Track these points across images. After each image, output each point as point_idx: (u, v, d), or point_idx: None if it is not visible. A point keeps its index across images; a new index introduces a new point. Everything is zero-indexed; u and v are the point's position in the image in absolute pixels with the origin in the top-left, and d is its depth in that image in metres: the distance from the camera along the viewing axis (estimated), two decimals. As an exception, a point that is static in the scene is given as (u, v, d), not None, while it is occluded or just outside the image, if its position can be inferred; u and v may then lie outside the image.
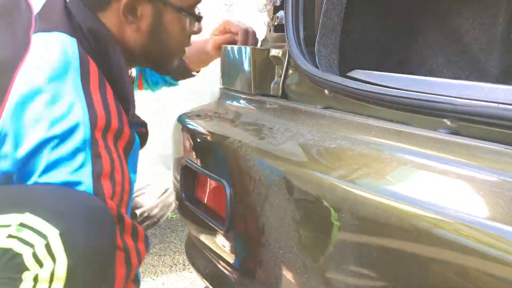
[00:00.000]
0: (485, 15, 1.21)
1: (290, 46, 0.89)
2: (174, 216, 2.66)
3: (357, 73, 0.82)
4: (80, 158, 0.68)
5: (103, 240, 0.65)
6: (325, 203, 0.64)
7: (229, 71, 1.07)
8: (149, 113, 2.77)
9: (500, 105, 0.55)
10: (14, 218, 0.62)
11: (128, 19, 0.82)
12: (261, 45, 1.08)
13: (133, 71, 1.20)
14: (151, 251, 2.24)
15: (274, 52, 0.94)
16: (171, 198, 1.28)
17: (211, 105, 1.10)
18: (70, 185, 0.68)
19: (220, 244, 0.93)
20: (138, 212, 1.21)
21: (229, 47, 1.05)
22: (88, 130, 0.70)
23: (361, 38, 1.16)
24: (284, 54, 0.92)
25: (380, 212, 0.55)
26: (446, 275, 0.49)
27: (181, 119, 1.08)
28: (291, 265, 0.71)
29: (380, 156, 0.62)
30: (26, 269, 0.60)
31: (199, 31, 0.93)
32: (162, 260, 2.17)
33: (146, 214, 1.23)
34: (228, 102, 1.04)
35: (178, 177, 1.04)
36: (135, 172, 0.81)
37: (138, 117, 0.85)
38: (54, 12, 0.80)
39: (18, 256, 0.60)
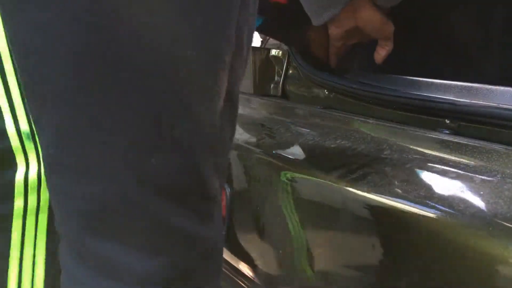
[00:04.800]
0: (484, 15, 1.21)
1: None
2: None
3: (357, 73, 0.82)
4: None
5: None
6: (326, 204, 0.64)
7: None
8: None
9: (500, 105, 0.56)
10: None
11: None
12: (261, 45, 1.08)
13: None
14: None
15: (274, 52, 0.94)
16: None
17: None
18: None
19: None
20: None
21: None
22: None
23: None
24: (284, 54, 0.92)
25: (380, 211, 0.56)
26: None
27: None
28: (291, 265, 0.71)
29: (380, 156, 0.62)
30: None
31: None
32: (162, 260, 2.16)
33: None
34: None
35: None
36: None
37: None
38: None
39: None
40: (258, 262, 0.79)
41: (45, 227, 0.54)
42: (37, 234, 0.54)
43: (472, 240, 0.47)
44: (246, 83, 0.99)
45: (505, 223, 0.45)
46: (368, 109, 0.72)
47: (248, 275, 0.85)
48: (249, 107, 0.97)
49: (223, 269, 0.95)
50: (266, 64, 0.95)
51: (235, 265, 0.91)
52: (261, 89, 0.96)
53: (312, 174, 0.67)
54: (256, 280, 0.82)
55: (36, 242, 0.54)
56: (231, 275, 0.93)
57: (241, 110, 0.98)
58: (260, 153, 0.79)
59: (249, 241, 0.83)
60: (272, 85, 0.95)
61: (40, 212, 0.53)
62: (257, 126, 0.88)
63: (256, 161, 0.79)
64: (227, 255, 0.93)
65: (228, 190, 0.85)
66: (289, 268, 0.72)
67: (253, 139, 0.83)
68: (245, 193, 0.81)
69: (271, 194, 0.75)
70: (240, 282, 0.89)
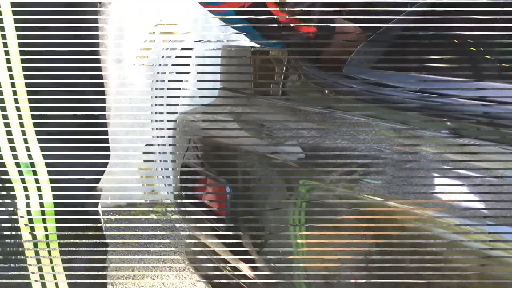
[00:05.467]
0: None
1: (290, 46, 0.89)
2: (174, 216, 2.66)
3: (357, 73, 0.82)
4: None
5: None
6: (326, 204, 0.64)
7: (229, 71, 1.07)
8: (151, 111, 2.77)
9: (500, 105, 0.56)
10: None
11: None
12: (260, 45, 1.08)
13: None
14: (151, 251, 2.24)
15: (274, 52, 0.94)
16: None
17: (212, 105, 1.10)
18: None
19: (220, 245, 0.94)
20: None
21: (228, 46, 1.05)
22: None
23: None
24: (284, 54, 0.92)
25: (380, 211, 0.56)
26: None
27: (181, 119, 1.08)
28: (291, 265, 0.71)
29: (380, 156, 0.62)
30: None
31: None
32: (162, 260, 2.16)
33: None
34: (228, 102, 1.04)
35: (178, 177, 1.04)
36: None
37: None
38: None
39: None
40: (258, 262, 0.79)
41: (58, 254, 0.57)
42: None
43: (472, 240, 0.47)
44: (246, 83, 0.99)
45: (505, 223, 0.45)
46: (368, 109, 0.72)
47: (248, 275, 0.85)
48: (249, 107, 0.97)
49: (223, 269, 0.95)
50: (266, 64, 0.95)
51: (235, 265, 0.91)
52: (261, 89, 0.96)
53: (312, 174, 0.67)
54: (256, 280, 0.82)
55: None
56: (231, 275, 0.93)
57: (241, 110, 0.98)
58: (260, 153, 0.79)
59: (250, 241, 0.83)
60: (272, 85, 0.95)
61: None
62: (257, 126, 0.88)
63: (256, 161, 0.79)
64: (227, 255, 0.93)
65: (228, 190, 0.84)
66: (289, 268, 0.72)
67: (253, 139, 0.83)
68: (245, 193, 0.81)
69: (272, 194, 0.75)
70: (240, 283, 0.89)
